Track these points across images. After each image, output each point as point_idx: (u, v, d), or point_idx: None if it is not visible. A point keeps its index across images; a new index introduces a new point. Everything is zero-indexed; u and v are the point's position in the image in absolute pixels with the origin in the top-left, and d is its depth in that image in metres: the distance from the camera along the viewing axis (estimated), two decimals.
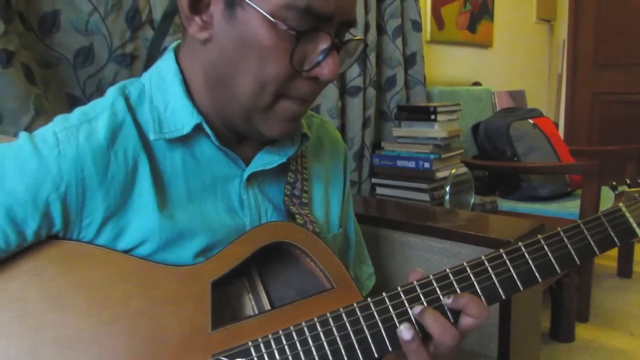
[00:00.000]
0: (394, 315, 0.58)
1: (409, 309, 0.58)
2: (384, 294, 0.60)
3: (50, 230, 0.56)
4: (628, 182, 0.78)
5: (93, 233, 0.58)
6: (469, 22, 2.82)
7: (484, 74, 3.00)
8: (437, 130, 1.88)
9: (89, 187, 0.57)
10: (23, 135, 0.59)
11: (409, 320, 0.58)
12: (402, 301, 0.59)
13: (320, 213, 0.77)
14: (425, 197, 1.85)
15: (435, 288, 0.61)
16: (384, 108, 2.15)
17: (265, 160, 0.69)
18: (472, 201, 1.90)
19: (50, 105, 1.23)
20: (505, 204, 2.17)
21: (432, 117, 1.89)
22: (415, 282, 0.61)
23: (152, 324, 0.55)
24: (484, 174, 2.45)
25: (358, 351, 0.56)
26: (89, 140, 0.58)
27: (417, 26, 2.17)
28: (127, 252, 0.59)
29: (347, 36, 0.66)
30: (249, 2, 0.55)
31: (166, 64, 0.66)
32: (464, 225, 1.12)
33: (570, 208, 2.06)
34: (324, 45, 0.58)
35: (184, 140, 0.64)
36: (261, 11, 0.55)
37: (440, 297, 0.59)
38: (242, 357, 0.54)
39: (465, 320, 0.58)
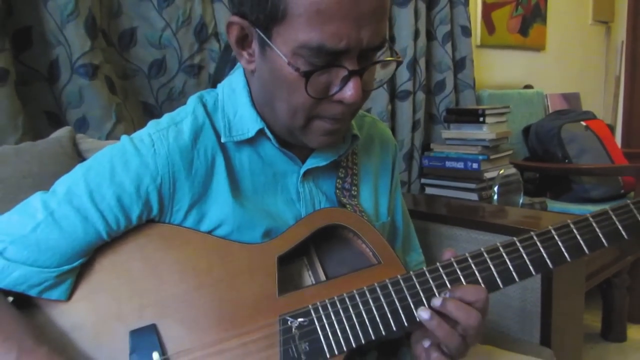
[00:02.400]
0: (433, 287, 0.67)
1: (436, 293, 0.67)
2: (424, 268, 0.69)
3: (149, 215, 0.69)
4: None
5: (181, 217, 0.71)
6: (521, 26, 2.84)
7: (536, 77, 3.01)
8: (485, 132, 1.94)
9: (178, 179, 0.70)
10: (124, 137, 0.72)
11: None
12: (441, 274, 0.68)
13: (368, 204, 0.86)
14: (474, 196, 1.91)
15: (470, 264, 0.69)
16: (434, 111, 2.22)
17: (319, 158, 0.79)
18: (520, 201, 1.94)
19: (128, 113, 1.38)
20: (555, 205, 2.19)
21: (481, 119, 1.95)
22: (452, 259, 0.69)
23: (231, 290, 0.67)
24: (534, 176, 2.47)
25: (402, 315, 0.66)
26: (177, 141, 0.71)
27: (467, 31, 2.24)
28: (208, 233, 0.71)
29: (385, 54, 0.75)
30: (272, 45, 0.65)
31: (236, 79, 0.78)
32: (508, 219, 1.19)
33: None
34: (342, 73, 0.65)
35: (249, 143, 0.76)
36: (280, 53, 0.64)
37: (461, 277, 0.68)
38: (303, 317, 0.65)
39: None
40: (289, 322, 0.65)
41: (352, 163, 0.86)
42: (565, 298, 1.10)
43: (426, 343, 0.67)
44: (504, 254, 0.71)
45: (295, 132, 0.72)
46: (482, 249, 0.71)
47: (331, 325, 0.65)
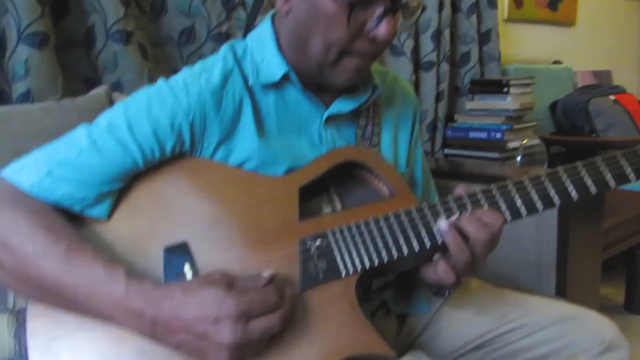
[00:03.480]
0: (444, 216, 0.72)
1: (454, 214, 0.72)
2: (437, 200, 0.74)
3: (182, 148, 0.76)
4: None
5: (210, 152, 0.77)
6: (550, 0, 2.82)
7: (565, 52, 2.97)
8: (509, 103, 1.96)
9: (208, 117, 0.76)
10: (161, 79, 0.78)
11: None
12: (450, 207, 0.73)
13: (388, 153, 0.91)
14: (497, 167, 1.93)
15: (479, 199, 0.73)
16: (458, 83, 2.24)
17: (341, 106, 0.85)
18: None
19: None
20: None
21: (505, 89, 1.96)
22: (464, 193, 0.74)
23: (255, 215, 0.73)
24: (560, 150, 2.46)
25: (414, 241, 0.71)
26: (208, 83, 0.77)
27: (493, 3, 2.24)
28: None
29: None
30: None
31: (264, 28, 0.84)
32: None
33: None
34: (379, 10, 0.72)
35: (276, 87, 0.82)
36: None
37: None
38: (322, 239, 0.71)
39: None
40: (308, 244, 0.71)
41: (373, 114, 0.90)
42: (581, 251, 1.13)
43: (437, 256, 0.71)
44: (512, 189, 0.74)
45: (325, 70, 0.77)
46: (493, 185, 0.75)
47: (347, 247, 0.71)
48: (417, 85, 2.04)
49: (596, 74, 3.01)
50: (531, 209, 0.74)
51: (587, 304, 0.87)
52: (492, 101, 2.01)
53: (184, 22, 1.50)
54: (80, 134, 0.72)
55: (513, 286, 1.16)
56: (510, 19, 2.62)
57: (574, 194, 0.75)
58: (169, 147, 0.74)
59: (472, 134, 2.02)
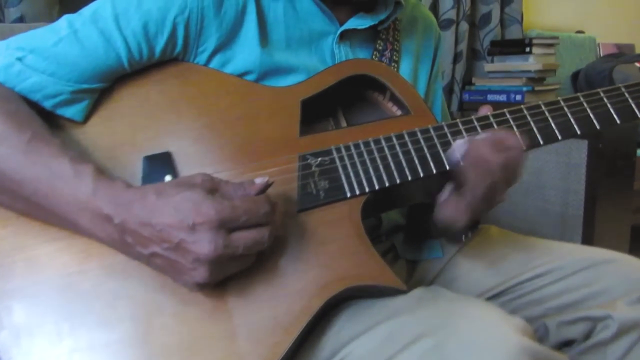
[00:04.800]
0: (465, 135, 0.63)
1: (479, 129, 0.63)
2: (458, 120, 0.64)
3: (173, 50, 0.66)
4: None
5: (205, 59, 0.68)
6: None
7: (589, 22, 2.83)
8: (531, 63, 1.84)
9: (206, 16, 0.66)
10: None
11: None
12: (475, 126, 0.63)
13: None
14: None
15: (508, 118, 0.64)
16: (477, 46, 2.12)
17: (358, 22, 0.75)
18: None
19: None
20: None
21: (527, 49, 1.84)
22: (490, 113, 0.65)
23: (251, 127, 0.64)
24: None
25: (431, 162, 0.62)
26: None
27: None
28: None
29: None
30: None
31: None
32: None
33: None
34: None
35: None
36: None
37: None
38: (324, 156, 0.62)
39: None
40: (308, 160, 0.62)
41: (393, 39, 0.81)
42: (611, 207, 1.03)
43: (450, 186, 0.62)
44: (545, 112, 0.66)
45: None
46: (522, 106, 0.66)
47: (353, 165, 0.61)
48: None
49: (619, 46, 2.86)
50: (566, 132, 0.65)
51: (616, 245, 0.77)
52: (513, 62, 1.90)
53: None
54: (61, 23, 0.63)
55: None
56: None
57: (615, 117, 0.66)
58: (159, 47, 0.64)
59: (490, 97, 1.90)
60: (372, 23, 0.75)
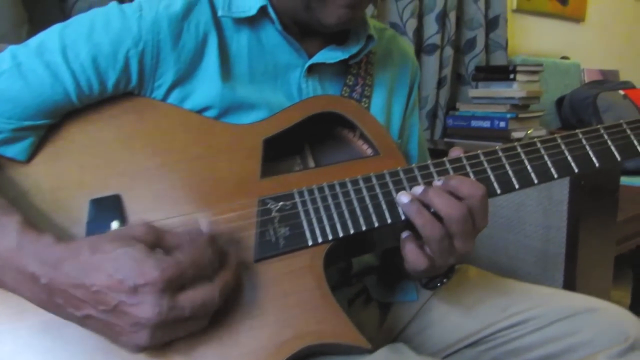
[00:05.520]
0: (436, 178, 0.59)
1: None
2: (429, 162, 0.61)
3: (127, 84, 0.62)
4: None
5: (162, 94, 0.64)
6: None
7: (573, 48, 2.84)
8: (515, 90, 1.82)
9: (163, 49, 0.63)
10: (112, 2, 0.65)
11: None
12: (447, 169, 0.60)
13: (379, 119, 0.78)
14: None
15: (482, 161, 0.61)
16: (462, 71, 2.11)
17: (328, 55, 0.71)
18: None
19: None
20: None
21: (511, 76, 1.83)
22: (463, 155, 0.61)
23: (209, 168, 0.60)
24: None
25: (400, 208, 0.58)
26: (167, 9, 0.64)
27: None
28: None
29: None
30: None
31: None
32: None
33: None
34: None
35: (251, 23, 0.68)
36: None
37: (471, 174, 0.60)
38: (285, 201, 0.58)
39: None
40: (268, 205, 0.57)
41: (365, 72, 0.77)
42: (594, 240, 0.99)
43: (405, 233, 0.58)
44: (522, 153, 0.62)
45: (312, 5, 0.64)
46: (498, 147, 0.62)
47: (317, 210, 0.57)
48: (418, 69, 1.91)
49: (604, 73, 2.88)
50: (543, 176, 0.62)
51: (598, 285, 0.74)
52: (497, 88, 1.88)
53: None
54: (3, 56, 0.59)
55: (515, 278, 1.03)
56: (519, 10, 2.49)
57: (594, 160, 0.63)
58: (110, 81, 0.60)
59: (474, 123, 1.88)
60: (342, 57, 0.72)
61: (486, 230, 1.06)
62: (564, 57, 2.74)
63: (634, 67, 3.39)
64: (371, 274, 0.80)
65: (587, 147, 0.63)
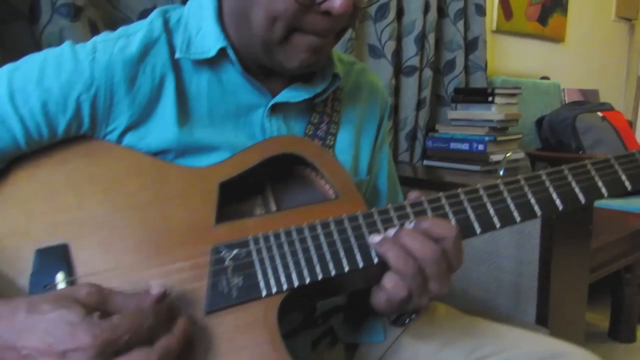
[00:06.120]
0: (397, 225, 0.57)
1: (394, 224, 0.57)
2: (389, 206, 0.59)
3: (79, 129, 0.61)
4: None
5: (116, 137, 0.62)
6: (540, 14, 2.72)
7: (553, 69, 2.88)
8: (493, 113, 1.83)
9: (116, 93, 0.61)
10: (67, 42, 0.63)
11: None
12: (407, 213, 0.58)
13: (346, 157, 0.76)
14: (478, 179, 1.79)
15: (444, 204, 0.59)
16: (442, 92, 2.11)
17: (292, 94, 0.70)
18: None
19: None
20: None
21: (490, 98, 1.84)
22: (424, 198, 0.60)
23: (161, 214, 0.58)
24: (546, 166, 2.35)
25: (357, 254, 0.56)
26: (122, 52, 0.62)
27: (481, 10, 2.12)
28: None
29: None
30: None
31: None
32: None
33: (638, 204, 1.92)
34: None
35: (211, 65, 0.67)
36: None
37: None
38: (240, 248, 0.56)
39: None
40: (222, 253, 0.56)
41: (331, 110, 0.76)
42: (566, 274, 0.98)
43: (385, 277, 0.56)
44: (484, 196, 0.61)
45: (273, 49, 0.63)
46: (460, 190, 0.61)
47: (272, 259, 0.55)
48: (397, 91, 1.91)
49: (584, 92, 2.91)
50: (506, 220, 0.60)
51: (571, 332, 0.73)
52: (476, 111, 1.89)
53: (145, 3, 1.36)
54: None
55: (488, 311, 1.01)
56: (499, 31, 2.51)
57: (558, 203, 0.62)
58: (61, 127, 0.59)
59: (453, 145, 1.88)
60: (306, 96, 0.70)
61: None
62: (544, 77, 2.77)
63: (613, 87, 3.43)
64: (337, 314, 0.78)
65: (551, 189, 0.62)
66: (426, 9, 1.91)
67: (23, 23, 1.16)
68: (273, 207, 0.65)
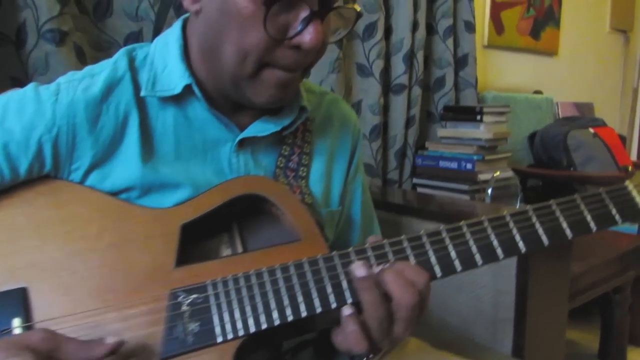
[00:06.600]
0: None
1: (374, 266, 0.57)
2: (351, 249, 0.59)
3: (41, 169, 0.61)
4: None
5: (80, 177, 0.63)
6: (532, 28, 2.73)
7: (547, 82, 2.88)
8: (482, 131, 1.83)
9: (78, 134, 0.62)
10: (31, 84, 0.64)
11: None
12: (368, 256, 0.58)
13: (318, 188, 0.77)
14: (466, 198, 1.79)
15: (404, 247, 0.59)
16: (432, 109, 2.12)
17: (260, 128, 0.71)
18: (517, 207, 1.82)
19: None
20: None
21: (478, 117, 1.84)
22: (386, 240, 0.60)
23: (121, 257, 0.58)
24: (537, 183, 2.34)
25: (316, 299, 0.56)
26: (85, 92, 0.63)
27: (471, 27, 2.13)
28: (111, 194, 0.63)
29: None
30: None
31: (172, 32, 0.70)
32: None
33: (628, 225, 1.92)
34: (304, 13, 0.59)
35: (177, 101, 0.68)
36: None
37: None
38: (198, 293, 0.56)
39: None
40: (179, 298, 0.56)
41: (302, 141, 0.76)
42: (544, 305, 0.98)
43: (347, 311, 0.56)
44: (446, 239, 0.61)
45: (242, 84, 0.64)
46: (422, 232, 0.61)
47: (229, 304, 0.55)
48: (386, 109, 1.91)
49: (578, 105, 2.91)
50: (469, 262, 0.60)
51: (549, 353, 0.72)
52: (465, 129, 1.89)
53: (131, 25, 1.37)
54: None
55: (465, 342, 1.01)
56: (490, 45, 2.52)
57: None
58: (23, 168, 0.59)
59: (442, 163, 1.88)
60: (274, 130, 0.71)
61: (439, 290, 1.05)
62: (537, 92, 2.77)
63: (608, 100, 3.44)
64: (307, 349, 0.77)
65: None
66: (415, 27, 1.92)
67: (10, 48, 1.18)
68: (239, 245, 0.65)
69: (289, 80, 0.64)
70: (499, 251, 0.61)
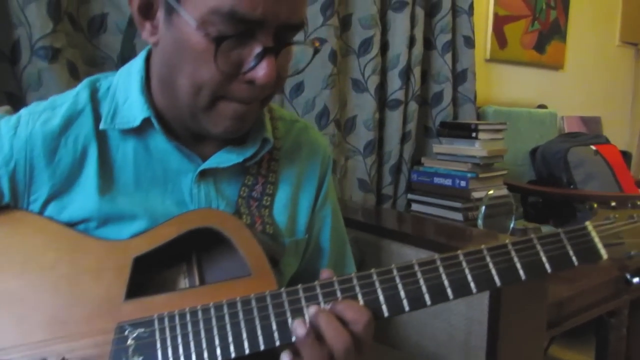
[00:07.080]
0: (304, 307, 0.58)
1: (304, 308, 0.57)
2: (299, 286, 0.60)
3: (0, 200, 0.62)
4: (613, 204, 0.72)
5: (38, 207, 0.65)
6: (537, 42, 2.71)
7: (552, 97, 2.85)
8: (477, 149, 1.82)
9: (36, 167, 0.64)
10: None
11: (302, 316, 0.57)
12: (317, 294, 0.59)
13: (282, 217, 0.77)
14: (459, 216, 1.78)
15: (354, 285, 0.60)
16: (429, 124, 2.11)
17: (222, 159, 0.71)
18: (511, 226, 1.80)
19: None
20: None
21: (473, 134, 1.83)
22: (335, 277, 0.60)
23: (74, 288, 0.59)
24: (537, 200, 2.32)
25: (260, 337, 0.57)
26: (44, 126, 0.65)
27: (470, 42, 2.12)
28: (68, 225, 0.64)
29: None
30: (180, 9, 0.58)
31: (136, 62, 0.72)
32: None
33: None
34: (257, 49, 0.60)
35: (138, 133, 0.69)
36: (189, 18, 0.58)
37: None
38: (144, 327, 0.57)
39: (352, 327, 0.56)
40: (125, 332, 0.57)
41: (267, 170, 0.77)
42: (519, 333, 0.97)
43: (285, 356, 0.56)
44: (397, 277, 0.61)
45: (199, 116, 0.64)
46: (373, 270, 0.61)
47: (174, 339, 0.56)
48: (381, 125, 1.91)
49: (585, 120, 2.88)
50: (417, 301, 0.60)
51: None
52: (460, 146, 1.88)
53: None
54: None
55: None
56: (492, 59, 2.51)
57: (472, 286, 0.61)
58: None
59: (436, 180, 1.88)
60: (236, 161, 0.72)
61: (417, 314, 1.05)
62: (541, 106, 2.75)
63: (616, 114, 3.39)
64: None
65: (466, 270, 0.62)
66: (411, 43, 1.92)
67: (5, 64, 1.21)
68: (196, 276, 0.66)
69: (245, 112, 0.65)
70: (449, 291, 0.60)
